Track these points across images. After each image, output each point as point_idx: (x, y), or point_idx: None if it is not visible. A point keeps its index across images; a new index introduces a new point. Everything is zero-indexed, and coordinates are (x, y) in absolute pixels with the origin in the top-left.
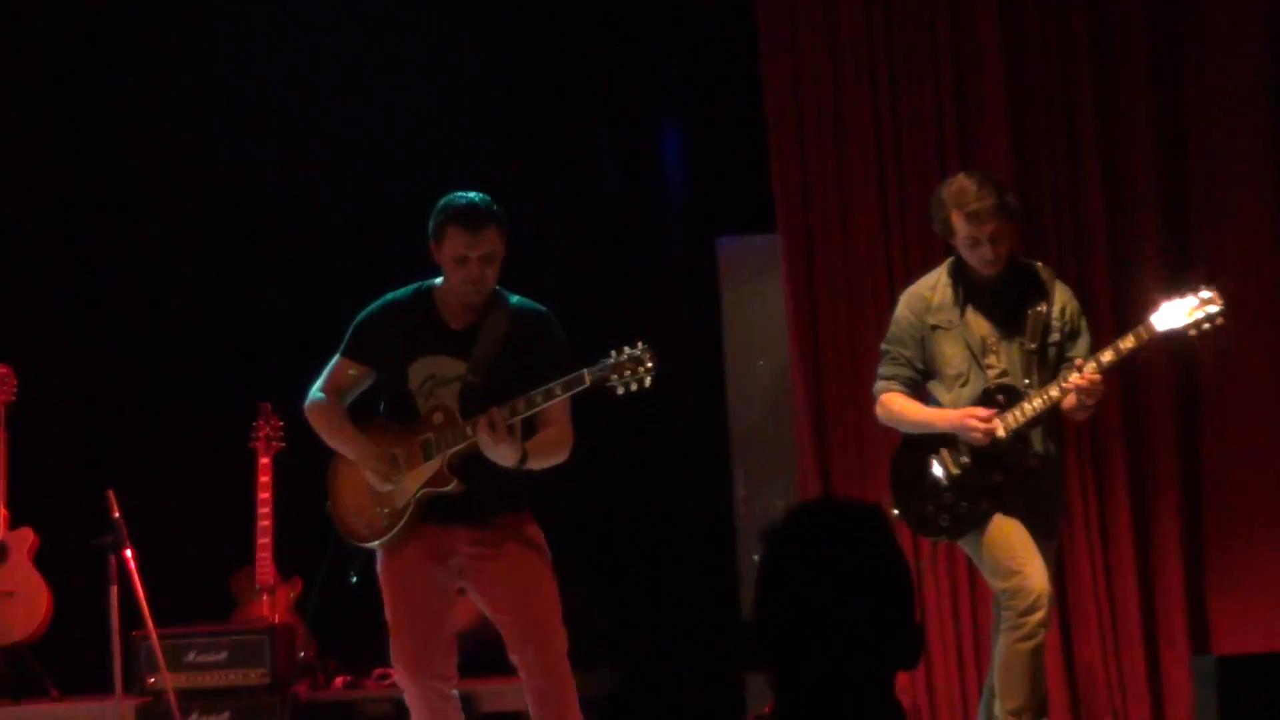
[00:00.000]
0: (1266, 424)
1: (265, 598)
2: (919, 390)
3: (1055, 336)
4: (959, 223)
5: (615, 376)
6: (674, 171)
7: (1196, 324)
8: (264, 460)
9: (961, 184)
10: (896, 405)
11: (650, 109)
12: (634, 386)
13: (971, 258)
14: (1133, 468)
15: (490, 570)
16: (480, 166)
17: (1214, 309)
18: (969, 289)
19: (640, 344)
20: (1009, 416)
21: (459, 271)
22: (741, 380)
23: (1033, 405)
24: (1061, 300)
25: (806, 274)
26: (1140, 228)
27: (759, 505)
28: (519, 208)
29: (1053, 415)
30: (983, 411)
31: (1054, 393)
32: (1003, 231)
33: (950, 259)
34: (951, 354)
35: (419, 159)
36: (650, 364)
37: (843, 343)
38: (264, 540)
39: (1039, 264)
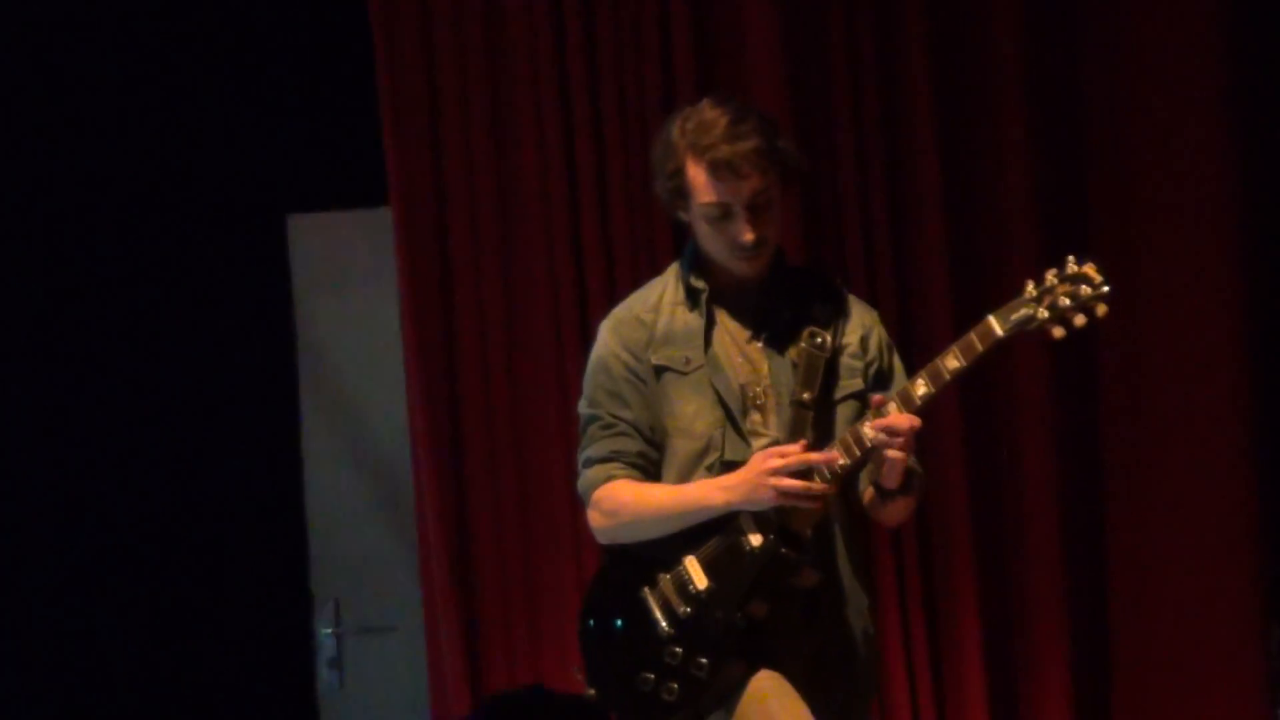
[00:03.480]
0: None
1: None
2: (654, 478)
3: (850, 383)
4: (698, 178)
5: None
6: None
7: (1061, 313)
8: None
9: (705, 115)
10: (627, 495)
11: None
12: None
13: (718, 244)
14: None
15: None
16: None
17: (1089, 287)
18: (715, 302)
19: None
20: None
21: None
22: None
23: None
24: (861, 325)
25: (436, 262)
26: (992, 201)
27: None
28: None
29: (846, 501)
30: (789, 448)
31: (839, 459)
32: (770, 197)
33: (681, 258)
34: (691, 412)
35: None
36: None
37: (497, 373)
38: None
39: (820, 270)
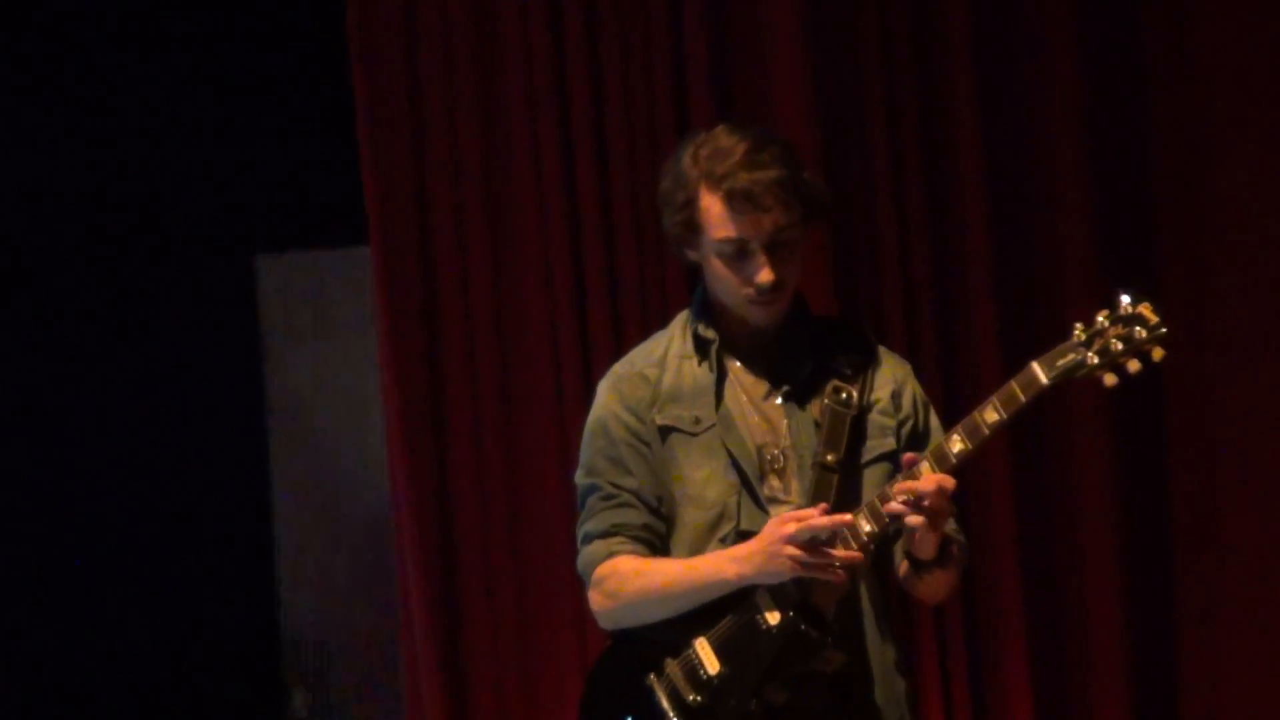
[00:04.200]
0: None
1: None
2: (662, 552)
3: (879, 444)
4: (712, 210)
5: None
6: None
7: (1113, 358)
8: None
9: (722, 142)
10: (630, 573)
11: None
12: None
13: (731, 286)
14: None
15: None
16: None
17: (1144, 329)
18: (727, 354)
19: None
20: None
21: None
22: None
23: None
24: (893, 379)
25: (420, 305)
26: (1046, 234)
27: None
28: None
29: (879, 573)
30: (808, 511)
31: (864, 526)
32: (792, 235)
33: (688, 308)
34: (702, 478)
35: None
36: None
37: (490, 432)
38: None
39: (846, 318)
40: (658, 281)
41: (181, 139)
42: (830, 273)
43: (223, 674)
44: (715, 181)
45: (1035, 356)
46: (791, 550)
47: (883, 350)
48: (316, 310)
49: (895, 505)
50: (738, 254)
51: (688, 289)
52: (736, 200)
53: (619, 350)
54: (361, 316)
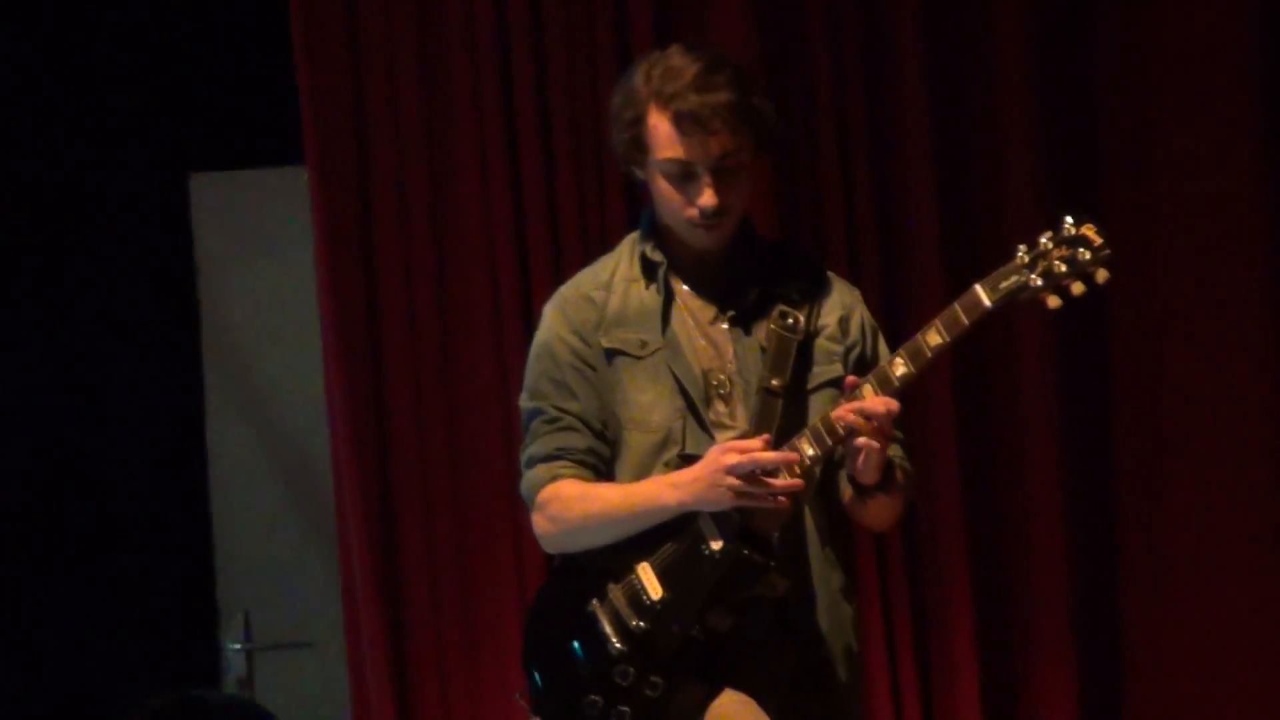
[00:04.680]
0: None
1: None
2: (606, 476)
3: (826, 369)
4: (660, 130)
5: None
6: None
7: (1056, 280)
8: None
9: (674, 61)
10: (574, 497)
11: None
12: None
13: (674, 208)
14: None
15: None
16: None
17: (1088, 250)
18: (674, 275)
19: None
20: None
21: None
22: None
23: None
24: (841, 304)
25: (357, 226)
26: (990, 162)
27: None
28: None
29: (825, 499)
30: (750, 442)
31: (807, 449)
32: (740, 160)
33: (637, 230)
34: (647, 401)
35: None
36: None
37: (428, 355)
38: None
39: (794, 244)
40: (596, 196)
41: (116, 57)
42: (772, 198)
43: (156, 598)
44: (664, 101)
45: (978, 279)
46: (731, 480)
47: (831, 276)
48: (251, 230)
49: (850, 421)
50: (683, 175)
51: (629, 211)
52: (684, 122)
53: (557, 267)
54: (297, 237)
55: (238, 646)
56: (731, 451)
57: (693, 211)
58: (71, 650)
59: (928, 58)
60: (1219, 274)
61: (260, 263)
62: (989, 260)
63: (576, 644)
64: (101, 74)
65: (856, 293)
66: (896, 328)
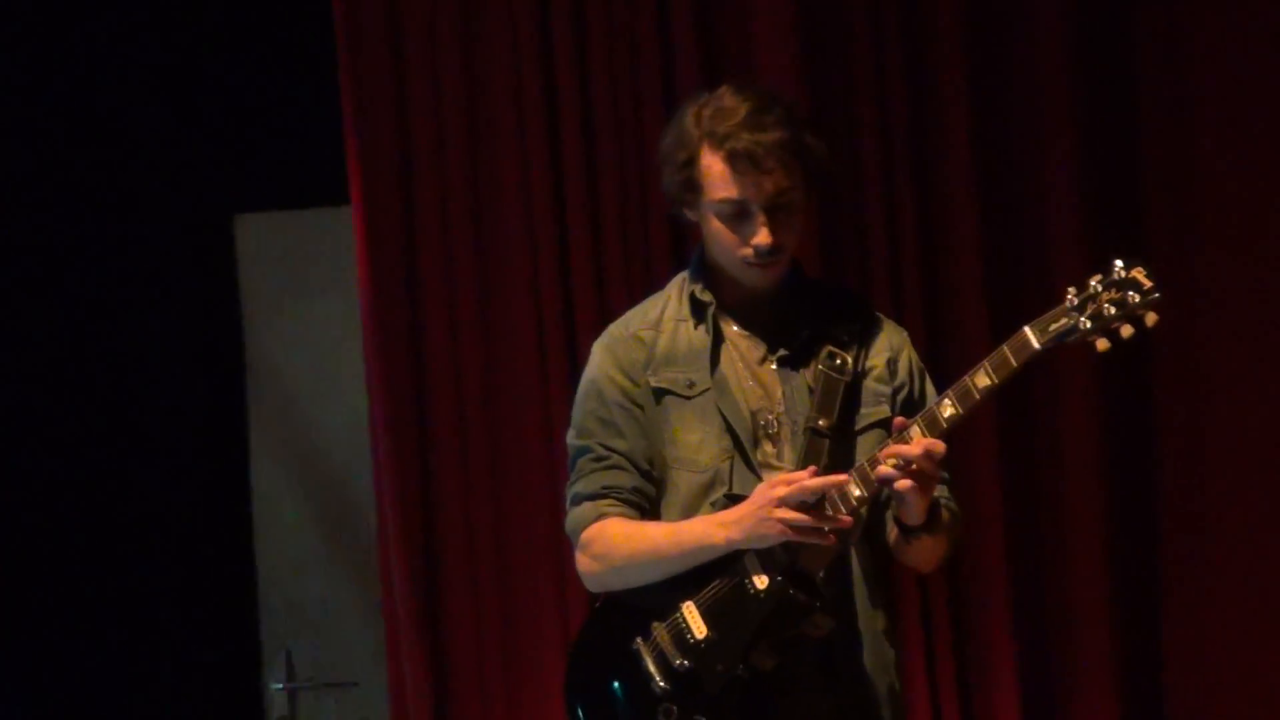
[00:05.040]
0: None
1: None
2: (651, 515)
3: (874, 411)
4: (713, 170)
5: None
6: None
7: (1105, 323)
8: None
9: (725, 101)
10: (619, 536)
11: None
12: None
13: (728, 247)
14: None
15: None
16: None
17: (1137, 293)
18: (723, 316)
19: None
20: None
21: None
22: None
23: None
24: (889, 346)
25: (402, 267)
26: (1034, 200)
27: None
28: None
29: (870, 541)
30: (797, 475)
31: (853, 490)
32: (793, 199)
33: (686, 271)
34: (695, 441)
35: None
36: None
37: (472, 395)
38: None
39: (842, 284)
40: (640, 232)
41: (164, 99)
42: (816, 236)
43: (199, 638)
44: (717, 141)
45: (1024, 322)
46: (782, 513)
47: (879, 317)
48: (296, 271)
49: (884, 469)
50: (737, 215)
51: (673, 256)
52: (738, 161)
53: (603, 313)
54: (341, 278)
55: (280, 686)
56: (780, 484)
57: (747, 251)
58: (117, 692)
59: (972, 98)
60: (1264, 298)
61: (304, 303)
62: (1032, 298)
63: (620, 682)
64: (146, 117)
65: (904, 334)
66: (940, 365)
